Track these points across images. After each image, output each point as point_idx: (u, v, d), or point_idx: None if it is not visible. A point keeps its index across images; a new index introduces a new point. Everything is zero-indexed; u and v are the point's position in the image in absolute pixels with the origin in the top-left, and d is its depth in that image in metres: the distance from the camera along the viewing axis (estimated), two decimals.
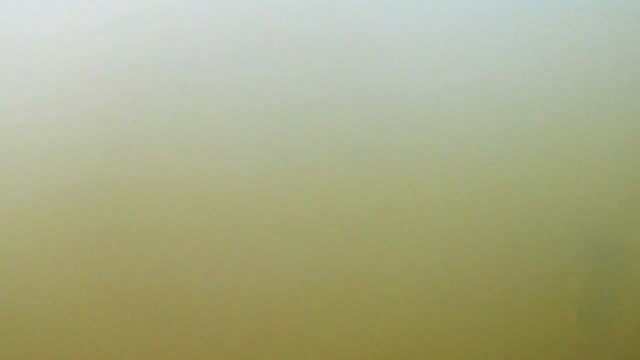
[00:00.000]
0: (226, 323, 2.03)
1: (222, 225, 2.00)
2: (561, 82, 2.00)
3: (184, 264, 2.01)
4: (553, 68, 1.99)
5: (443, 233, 2.00)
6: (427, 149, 1.99)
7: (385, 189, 2.00)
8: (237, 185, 1.99)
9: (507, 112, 1.99)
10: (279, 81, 1.98)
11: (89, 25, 1.95)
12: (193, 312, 2.02)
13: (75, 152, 1.98)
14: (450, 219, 2.00)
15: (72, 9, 1.95)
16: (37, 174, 1.99)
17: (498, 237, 2.03)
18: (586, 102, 2.01)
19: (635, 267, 2.08)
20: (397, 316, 2.03)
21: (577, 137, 2.01)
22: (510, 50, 1.98)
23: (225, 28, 1.96)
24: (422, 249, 2.01)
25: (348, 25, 1.97)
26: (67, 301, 2.01)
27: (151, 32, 1.95)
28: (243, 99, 1.98)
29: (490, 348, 2.06)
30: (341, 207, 2.00)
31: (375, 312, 2.03)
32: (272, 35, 1.96)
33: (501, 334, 2.06)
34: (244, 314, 2.02)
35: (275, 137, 1.99)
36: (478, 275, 2.03)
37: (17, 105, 1.96)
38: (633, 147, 2.03)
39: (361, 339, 2.03)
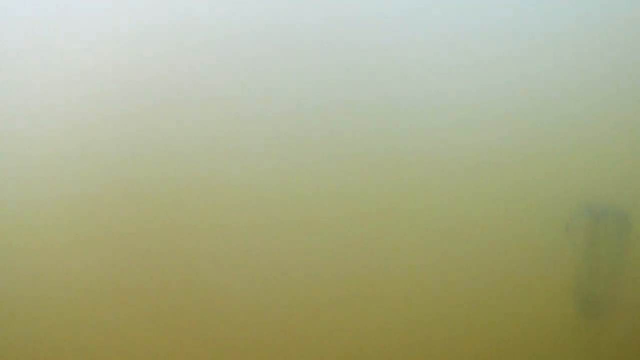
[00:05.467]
0: (236, 320, 2.05)
1: (236, 226, 2.02)
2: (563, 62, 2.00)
3: (197, 263, 2.03)
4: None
5: (444, 229, 2.02)
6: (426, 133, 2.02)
7: (389, 189, 2.02)
8: (250, 188, 2.01)
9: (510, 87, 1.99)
10: (289, 88, 1.99)
11: (112, 36, 1.97)
12: (203, 309, 2.04)
13: (95, 156, 2.00)
14: (452, 207, 2.00)
15: (98, 20, 1.97)
16: (51, 176, 2.01)
17: (488, 202, 1.98)
18: (588, 75, 1.99)
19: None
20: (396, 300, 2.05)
21: (577, 100, 1.97)
22: (511, 54, 2.00)
23: (243, 38, 1.97)
24: (422, 223, 2.01)
25: (358, 32, 1.98)
26: (82, 296, 2.04)
27: (173, 42, 1.97)
28: (257, 105, 1.99)
29: (484, 323, 2.04)
30: (350, 209, 2.02)
31: (379, 311, 2.05)
32: (283, 45, 1.98)
33: (493, 308, 2.03)
34: (253, 312, 2.05)
35: (286, 142, 2.00)
36: (473, 245, 2.00)
37: (38, 111, 1.99)
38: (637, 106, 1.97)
39: (365, 338, 2.06)
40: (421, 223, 2.01)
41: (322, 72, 1.99)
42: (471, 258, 2.01)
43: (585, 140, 1.97)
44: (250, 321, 2.04)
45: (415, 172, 2.01)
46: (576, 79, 1.98)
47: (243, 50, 1.98)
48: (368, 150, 2.01)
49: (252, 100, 1.99)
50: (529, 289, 2.00)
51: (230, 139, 2.00)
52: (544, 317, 2.01)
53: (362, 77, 1.99)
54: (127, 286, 2.03)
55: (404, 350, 2.04)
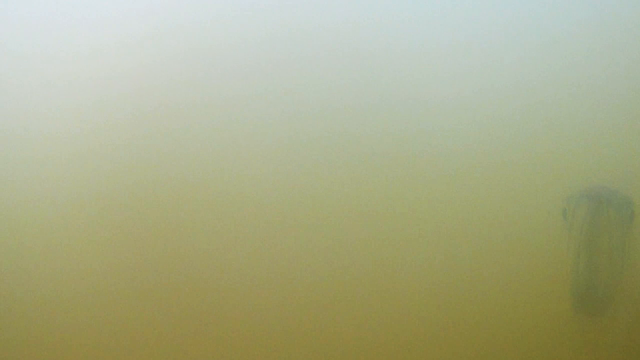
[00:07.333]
0: (242, 320, 2.07)
1: (243, 227, 2.05)
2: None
3: (201, 263, 2.06)
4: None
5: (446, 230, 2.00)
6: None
7: (391, 189, 2.02)
8: (256, 190, 2.04)
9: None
10: (292, 92, 2.03)
11: (117, 41, 2.04)
12: (208, 309, 2.06)
13: (102, 158, 2.06)
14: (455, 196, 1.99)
15: (104, 24, 2.04)
16: (58, 178, 2.07)
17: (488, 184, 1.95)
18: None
19: None
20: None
21: (577, 84, 1.95)
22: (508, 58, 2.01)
23: (247, 43, 2.03)
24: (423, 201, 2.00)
25: (360, 37, 2.02)
26: (87, 296, 2.08)
27: (176, 46, 2.03)
28: (260, 108, 2.03)
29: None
30: (352, 209, 2.04)
31: (379, 309, 2.04)
32: (286, 49, 2.02)
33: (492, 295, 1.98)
34: (258, 312, 2.06)
35: (289, 144, 2.03)
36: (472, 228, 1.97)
37: (50, 114, 2.06)
38: None
39: (367, 338, 2.05)
40: (418, 216, 2.01)
41: (325, 76, 2.02)
42: (463, 251, 1.99)
43: (585, 122, 1.93)
44: (256, 321, 2.05)
45: (413, 158, 2.01)
46: (576, 64, 1.97)
47: (247, 55, 2.02)
48: (369, 151, 2.02)
49: (256, 104, 2.03)
50: (523, 283, 1.96)
51: (236, 141, 2.03)
52: (538, 315, 1.95)
53: (363, 80, 2.02)
54: (131, 286, 2.06)
55: (402, 347, 2.02)
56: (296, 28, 2.01)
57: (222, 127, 2.03)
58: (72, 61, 2.04)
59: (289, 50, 2.02)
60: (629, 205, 1.79)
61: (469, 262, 1.98)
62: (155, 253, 2.05)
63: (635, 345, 1.89)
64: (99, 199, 2.05)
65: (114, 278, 2.05)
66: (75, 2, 2.04)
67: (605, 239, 1.78)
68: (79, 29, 2.04)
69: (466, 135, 1.99)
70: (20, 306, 2.06)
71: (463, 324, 2.00)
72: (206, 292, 2.05)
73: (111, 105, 2.04)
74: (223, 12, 2.02)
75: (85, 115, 2.05)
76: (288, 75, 2.02)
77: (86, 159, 2.05)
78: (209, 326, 2.05)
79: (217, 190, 2.04)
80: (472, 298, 1.99)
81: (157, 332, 2.05)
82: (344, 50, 2.01)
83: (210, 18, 2.03)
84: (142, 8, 2.03)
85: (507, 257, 1.97)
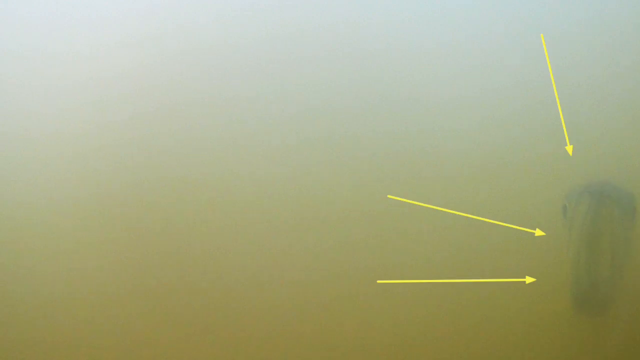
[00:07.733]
0: (245, 321, 2.07)
1: (246, 227, 2.05)
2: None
3: (204, 264, 2.06)
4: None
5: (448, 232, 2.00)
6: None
7: (392, 189, 2.02)
8: (258, 190, 2.05)
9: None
10: (293, 92, 2.04)
11: (119, 40, 2.05)
12: (211, 310, 2.06)
13: (104, 159, 2.07)
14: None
15: (106, 24, 2.06)
16: (60, 179, 2.08)
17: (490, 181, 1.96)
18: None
19: None
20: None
21: (578, 77, 1.96)
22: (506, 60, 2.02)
23: (247, 43, 2.04)
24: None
25: (365, 39, 2.03)
26: (91, 297, 2.09)
27: (178, 46, 2.05)
28: (262, 108, 2.04)
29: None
30: (353, 210, 2.04)
31: (381, 309, 2.04)
32: (294, 49, 2.04)
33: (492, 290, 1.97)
34: (263, 314, 2.06)
35: (291, 144, 2.04)
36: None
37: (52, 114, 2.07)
38: None
39: (368, 337, 2.05)
40: (417, 215, 2.00)
41: (325, 76, 2.03)
42: (463, 250, 1.99)
43: (586, 118, 1.93)
44: (256, 321, 2.05)
45: (414, 158, 2.02)
46: (576, 64, 1.98)
47: (247, 55, 2.03)
48: (369, 151, 2.03)
49: (256, 104, 2.04)
50: (523, 282, 1.95)
51: (236, 141, 2.04)
52: (538, 315, 1.95)
53: (363, 80, 2.03)
54: (132, 286, 2.06)
55: (402, 347, 2.02)
56: (296, 28, 2.02)
57: (222, 127, 2.04)
58: (72, 61, 2.05)
59: (289, 50, 2.03)
60: (631, 202, 1.75)
61: (469, 262, 1.98)
62: (156, 253, 2.06)
63: (636, 345, 1.88)
64: (99, 199, 2.05)
65: (114, 278, 2.06)
66: (75, 2, 2.04)
67: (606, 237, 1.72)
68: (79, 29, 2.05)
69: (466, 135, 1.99)
70: (21, 306, 2.06)
71: (463, 323, 2.00)
72: (207, 292, 2.05)
73: (111, 105, 2.05)
74: (223, 12, 2.03)
75: (85, 115, 2.05)
76: (288, 75, 2.03)
77: (86, 159, 2.05)
78: (209, 326, 2.06)
79: (217, 190, 2.04)
80: (472, 298, 1.99)
81: (157, 332, 2.05)
82: (344, 50, 2.02)
83: (211, 18, 2.03)
84: (142, 8, 2.04)
85: (507, 256, 1.97)
